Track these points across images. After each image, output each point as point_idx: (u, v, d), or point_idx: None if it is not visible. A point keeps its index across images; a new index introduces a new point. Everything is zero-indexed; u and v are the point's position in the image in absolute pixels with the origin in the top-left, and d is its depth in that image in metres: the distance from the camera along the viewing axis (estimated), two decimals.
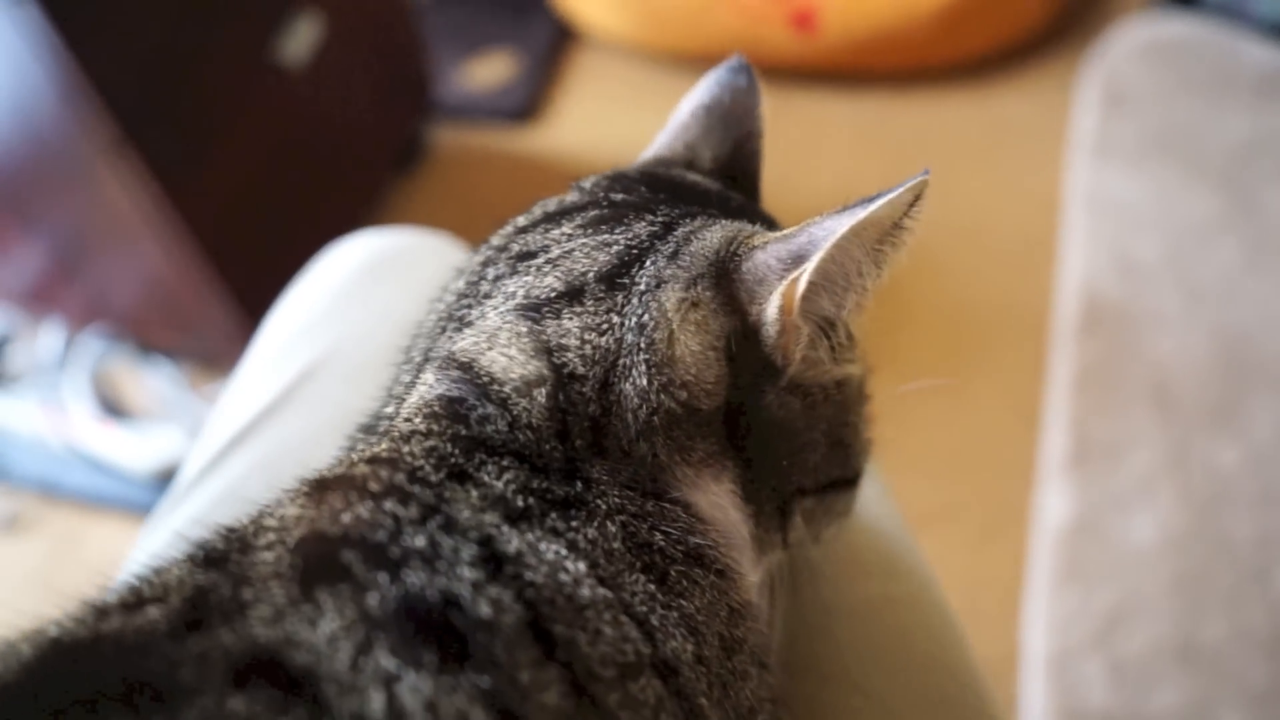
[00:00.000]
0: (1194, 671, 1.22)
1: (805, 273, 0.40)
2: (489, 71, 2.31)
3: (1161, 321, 1.57)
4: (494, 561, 0.34)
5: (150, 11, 1.27)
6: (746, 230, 0.44)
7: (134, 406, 1.67)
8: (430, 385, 0.42)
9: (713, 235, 0.44)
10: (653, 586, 0.38)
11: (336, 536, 0.34)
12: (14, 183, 1.41)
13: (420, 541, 0.34)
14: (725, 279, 0.42)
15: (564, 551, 0.36)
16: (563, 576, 0.35)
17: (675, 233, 0.44)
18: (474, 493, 0.37)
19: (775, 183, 2.21)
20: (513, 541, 0.35)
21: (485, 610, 0.32)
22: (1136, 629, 1.26)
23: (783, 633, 0.54)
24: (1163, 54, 1.91)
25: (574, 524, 0.38)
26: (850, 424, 0.47)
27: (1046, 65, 2.10)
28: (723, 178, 0.54)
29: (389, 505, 0.35)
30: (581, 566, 0.36)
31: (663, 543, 0.40)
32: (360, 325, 0.68)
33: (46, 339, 1.69)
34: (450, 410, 0.41)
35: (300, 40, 1.54)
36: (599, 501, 0.39)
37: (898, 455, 1.52)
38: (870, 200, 0.39)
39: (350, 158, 1.81)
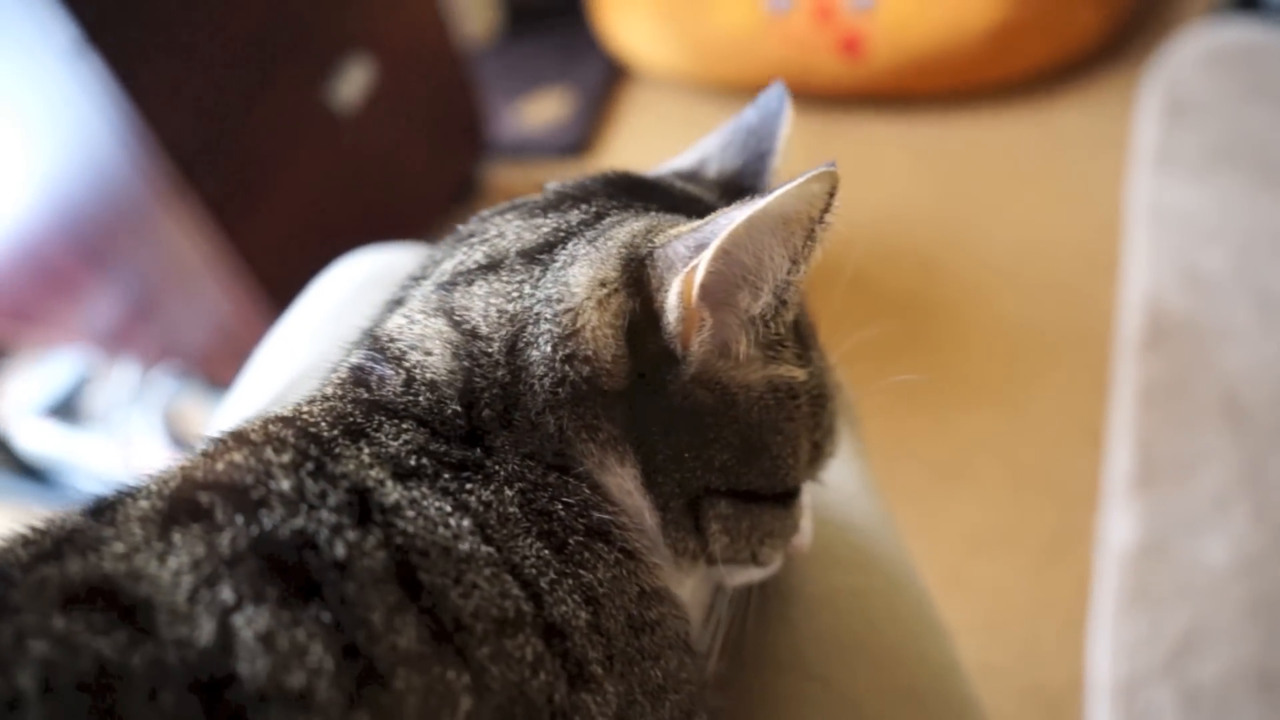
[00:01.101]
0: (1273, 699, 1.15)
1: (702, 260, 0.40)
2: (543, 110, 2.36)
3: (1231, 334, 1.50)
4: (364, 509, 0.35)
5: (206, 61, 1.34)
6: (670, 221, 0.44)
7: None
8: (349, 358, 0.44)
9: (636, 224, 0.44)
10: (548, 553, 0.38)
11: (204, 482, 0.35)
12: (88, 231, 1.49)
13: (285, 485, 0.35)
14: (637, 263, 0.42)
15: (449, 509, 0.37)
16: (442, 531, 0.35)
17: (604, 220, 0.45)
18: (365, 450, 0.38)
19: None
20: (393, 495, 0.36)
21: (340, 551, 0.33)
22: (1210, 655, 1.20)
23: (735, 621, 0.53)
24: (1226, 61, 1.85)
25: (468, 486, 0.38)
26: (783, 433, 0.45)
27: (1106, 77, 2.05)
28: (725, 190, 0.54)
29: (266, 453, 0.36)
30: (466, 523, 0.36)
31: (563, 514, 0.40)
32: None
33: (120, 378, 1.76)
34: (356, 376, 0.43)
35: (352, 84, 1.60)
36: (498, 468, 0.40)
37: (956, 476, 1.49)
38: (772, 191, 0.39)
39: (404, 196, 1.87)
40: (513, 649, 0.34)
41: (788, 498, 0.48)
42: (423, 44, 1.89)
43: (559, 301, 0.42)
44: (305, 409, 0.41)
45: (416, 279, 0.47)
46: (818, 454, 0.49)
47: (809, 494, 0.54)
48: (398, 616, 0.32)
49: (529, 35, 2.64)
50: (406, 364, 0.42)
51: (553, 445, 0.41)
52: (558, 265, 0.43)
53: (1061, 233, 1.81)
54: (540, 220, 0.46)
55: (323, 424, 0.39)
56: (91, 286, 1.61)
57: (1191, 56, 1.87)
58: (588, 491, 0.41)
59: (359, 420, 0.40)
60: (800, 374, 0.46)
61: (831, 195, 0.40)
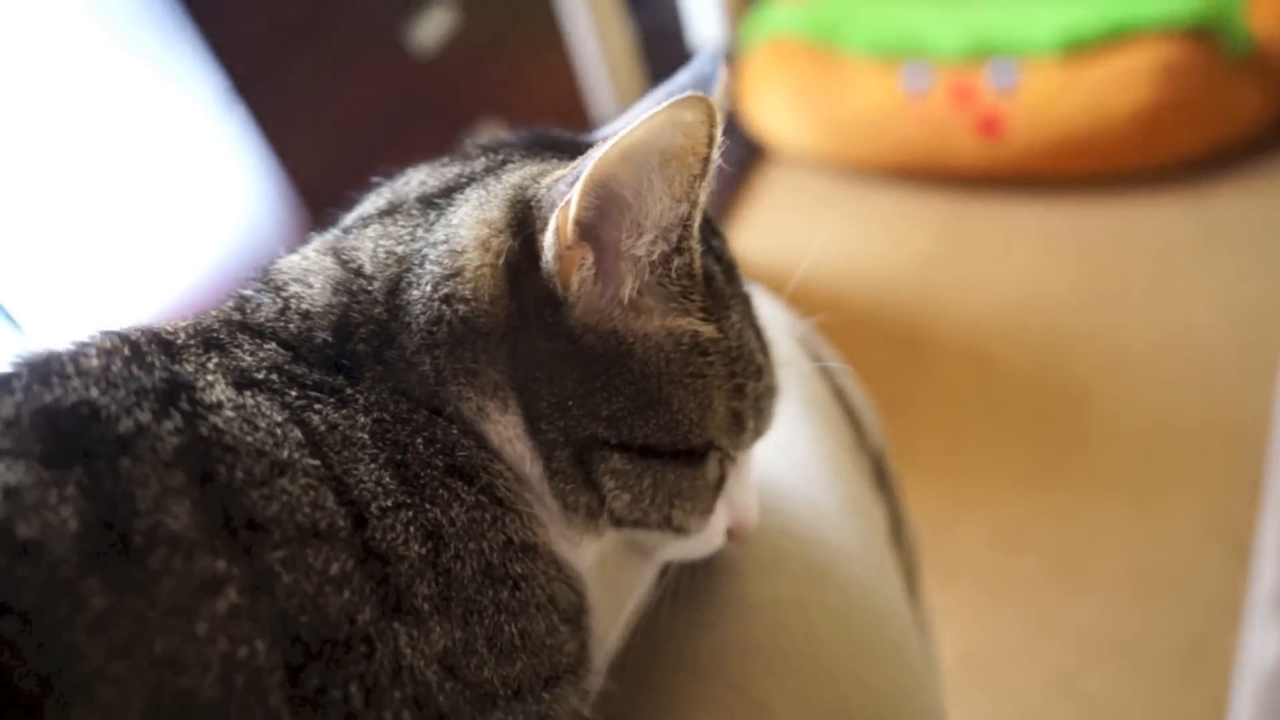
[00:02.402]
0: None
1: (574, 193, 0.38)
2: None
3: None
4: (172, 398, 0.35)
5: (341, 117, 1.43)
6: (559, 165, 0.43)
7: None
8: (239, 290, 0.45)
9: (531, 168, 0.44)
10: (391, 482, 0.37)
11: (29, 359, 0.36)
12: (233, 273, 1.60)
13: (93, 364, 0.35)
14: (523, 205, 0.42)
15: (280, 419, 0.36)
16: (262, 436, 0.35)
17: (505, 168, 0.45)
18: (214, 358, 0.38)
19: (959, 288, 2.14)
20: (218, 395, 0.36)
21: (125, 427, 0.33)
22: None
23: (652, 605, 0.51)
24: None
25: (316, 406, 0.38)
26: (686, 388, 0.44)
27: (1268, 164, 1.92)
28: None
29: (98, 341, 0.37)
30: (296, 435, 0.36)
31: (422, 449, 0.39)
32: None
33: None
34: (237, 303, 0.43)
35: None
36: (359, 397, 0.39)
37: (1075, 574, 1.38)
38: (638, 120, 0.37)
39: None
40: (314, 560, 0.34)
41: (694, 457, 0.45)
42: (562, 122, 1.97)
43: (445, 243, 0.42)
44: (175, 324, 0.41)
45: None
46: (738, 424, 0.47)
47: (748, 469, 0.52)
48: (173, 500, 0.32)
49: None
50: (285, 294, 0.43)
51: (427, 385, 0.41)
52: (451, 209, 0.43)
53: (1212, 325, 1.68)
54: (446, 169, 0.46)
55: (181, 335, 0.40)
56: None
57: None
58: (456, 433, 0.41)
59: (220, 336, 0.40)
60: (708, 330, 0.44)
61: (711, 127, 0.38)
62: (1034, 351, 1.77)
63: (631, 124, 0.37)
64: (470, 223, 0.42)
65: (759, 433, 0.49)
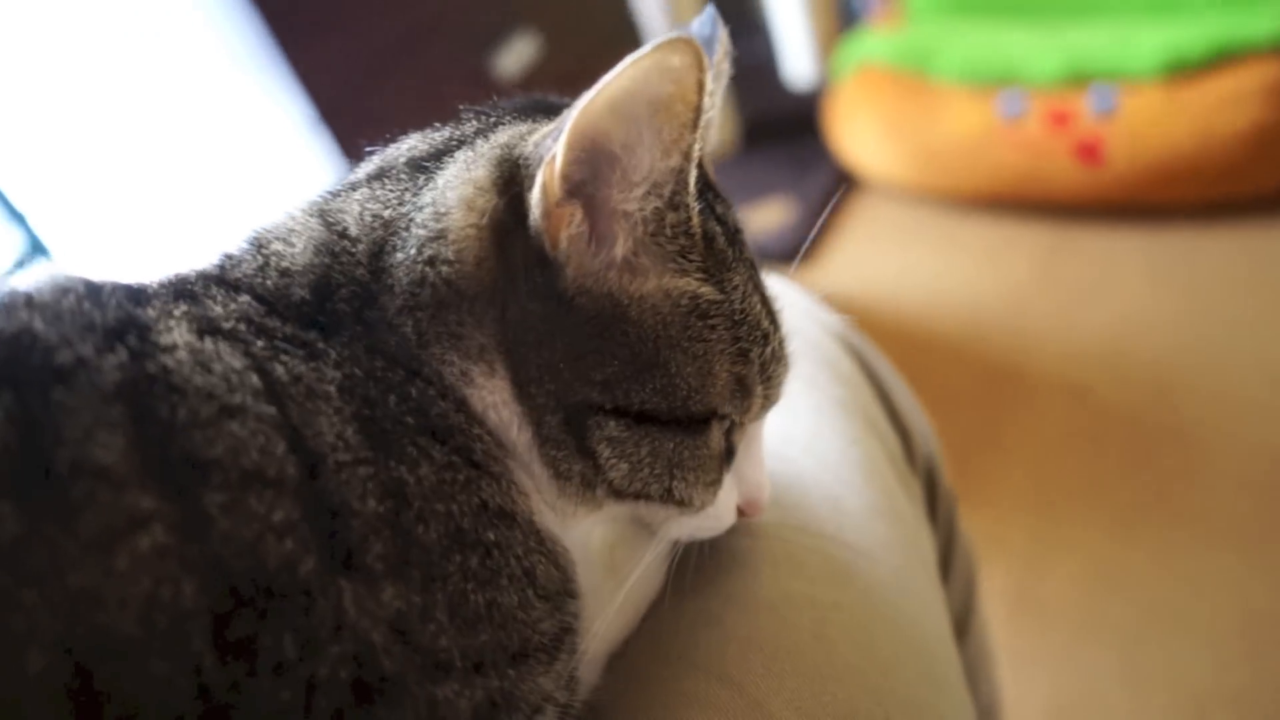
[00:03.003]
0: None
1: (559, 146, 0.37)
2: (764, 217, 2.39)
3: None
4: (121, 336, 0.34)
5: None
6: (547, 123, 0.42)
7: None
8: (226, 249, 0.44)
9: (516, 129, 0.42)
10: (354, 437, 0.36)
11: None
12: None
13: (46, 299, 0.35)
14: (511, 165, 0.40)
15: (239, 366, 0.35)
16: (215, 380, 0.34)
17: (496, 130, 0.43)
18: (182, 306, 0.38)
19: (1055, 319, 2.06)
20: (174, 338, 0.35)
21: (64, 358, 0.33)
22: None
23: (653, 611, 0.49)
24: None
25: (283, 357, 0.37)
26: (685, 352, 0.42)
27: None
28: None
29: (59, 280, 0.37)
30: (254, 381, 0.35)
31: (393, 407, 0.38)
32: None
33: None
34: (220, 260, 0.43)
35: None
36: (331, 352, 0.38)
37: (1177, 622, 1.29)
38: (622, 66, 0.36)
39: None
40: (256, 506, 0.33)
41: (695, 425, 0.43)
42: None
43: (430, 206, 0.41)
44: (151, 281, 0.41)
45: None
46: (743, 391, 0.45)
47: (759, 444, 0.50)
48: (105, 432, 0.32)
49: (762, 149, 2.70)
50: (266, 251, 0.42)
51: (408, 348, 0.40)
52: (440, 172, 0.42)
53: None
54: (436, 134, 0.46)
55: (153, 285, 0.40)
56: None
57: None
58: (434, 394, 0.39)
59: (194, 288, 0.40)
60: (708, 291, 0.43)
61: (700, 73, 0.36)
62: (1135, 386, 1.68)
63: (616, 70, 0.36)
64: (456, 184, 0.41)
65: (768, 401, 0.47)
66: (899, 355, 2.00)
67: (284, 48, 1.21)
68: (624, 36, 1.98)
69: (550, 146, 0.38)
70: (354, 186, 0.45)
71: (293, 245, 0.42)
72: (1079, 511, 1.52)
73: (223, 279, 0.41)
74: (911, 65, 2.19)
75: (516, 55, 1.58)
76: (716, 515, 0.48)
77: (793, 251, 2.27)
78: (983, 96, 2.06)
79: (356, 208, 0.43)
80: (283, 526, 0.33)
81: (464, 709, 0.36)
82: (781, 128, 2.74)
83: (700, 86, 0.37)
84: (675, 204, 0.40)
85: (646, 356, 0.41)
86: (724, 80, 0.51)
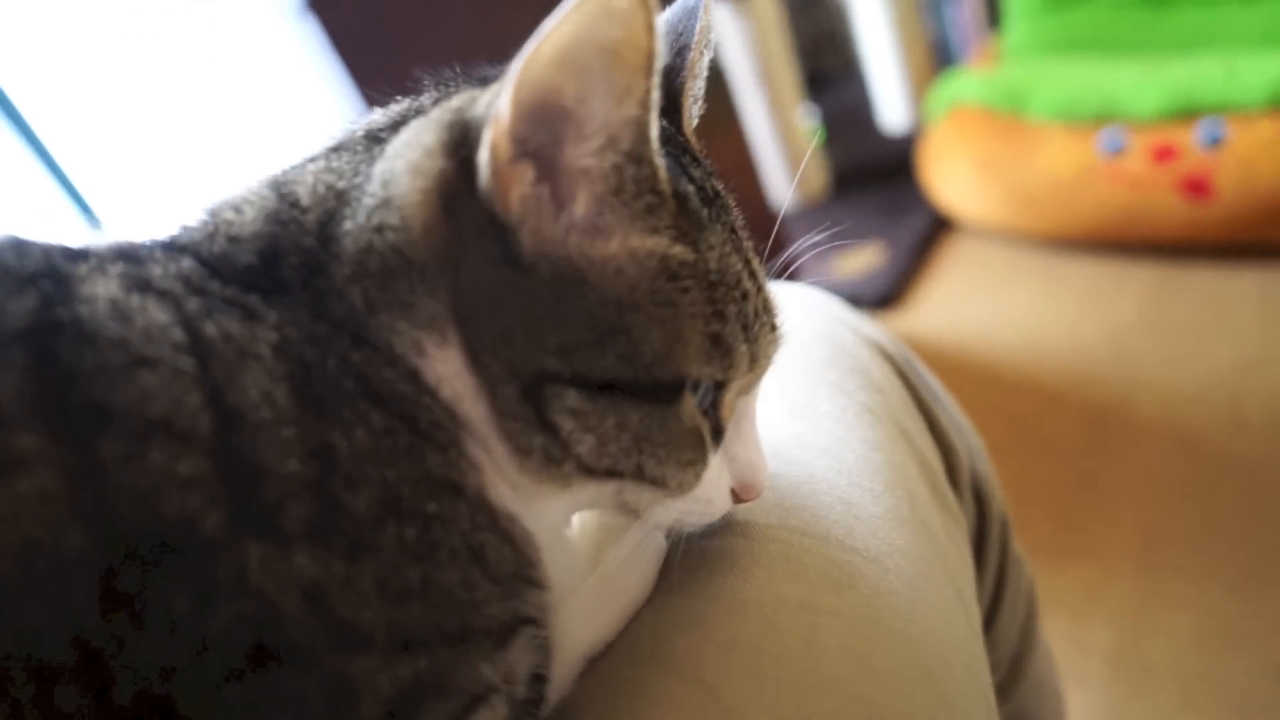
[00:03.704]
0: None
1: (504, 101, 0.36)
2: (856, 262, 2.36)
3: None
4: (34, 282, 0.34)
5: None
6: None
7: None
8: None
9: (470, 94, 0.41)
10: (283, 398, 0.35)
11: None
12: None
13: None
14: (459, 127, 0.39)
15: (165, 320, 0.34)
16: (132, 331, 0.34)
17: (451, 98, 0.42)
18: (120, 266, 0.37)
19: (1163, 362, 1.98)
20: (94, 289, 0.35)
21: None
22: None
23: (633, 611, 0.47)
24: None
25: (216, 316, 0.36)
26: (651, 316, 0.39)
27: None
28: None
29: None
30: (178, 336, 0.34)
31: (332, 370, 0.36)
32: None
33: None
34: (175, 231, 0.42)
35: None
36: (272, 314, 0.37)
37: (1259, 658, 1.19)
38: (562, 10, 0.34)
39: None
40: (157, 456, 0.32)
41: (664, 394, 0.41)
42: (743, 211, 1.96)
43: (379, 175, 0.40)
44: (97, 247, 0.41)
45: None
46: (721, 351, 0.42)
47: (751, 423, 0.47)
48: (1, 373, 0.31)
49: (855, 194, 2.68)
50: (218, 219, 0.41)
51: (357, 317, 0.38)
52: (392, 141, 0.41)
53: None
54: (396, 107, 0.44)
55: (99, 247, 0.39)
56: None
57: None
58: (380, 362, 0.38)
59: (139, 252, 0.39)
60: (679, 251, 0.41)
61: (647, 14, 0.34)
62: (1251, 433, 1.57)
63: (557, 17, 0.35)
64: (404, 150, 0.40)
65: (755, 364, 0.45)
66: (996, 399, 1.94)
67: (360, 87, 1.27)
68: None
69: (496, 104, 0.37)
70: (312, 159, 0.44)
71: (243, 214, 0.41)
72: (1190, 566, 1.42)
73: (171, 245, 0.41)
74: (1005, 104, 2.15)
75: None
76: (707, 499, 0.46)
77: (885, 295, 2.24)
78: (1081, 133, 2.00)
79: (311, 179, 0.42)
80: (187, 480, 0.32)
81: (384, 685, 0.35)
82: (875, 172, 2.72)
83: (649, 28, 0.35)
84: (636, 157, 0.39)
85: (609, 321, 0.39)
86: (709, 53, 0.49)
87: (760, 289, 0.46)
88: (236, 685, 0.32)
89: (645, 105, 0.37)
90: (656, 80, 0.37)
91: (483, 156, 0.38)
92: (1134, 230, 1.96)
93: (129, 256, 0.38)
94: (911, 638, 0.48)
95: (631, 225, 0.40)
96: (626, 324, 0.40)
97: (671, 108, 0.48)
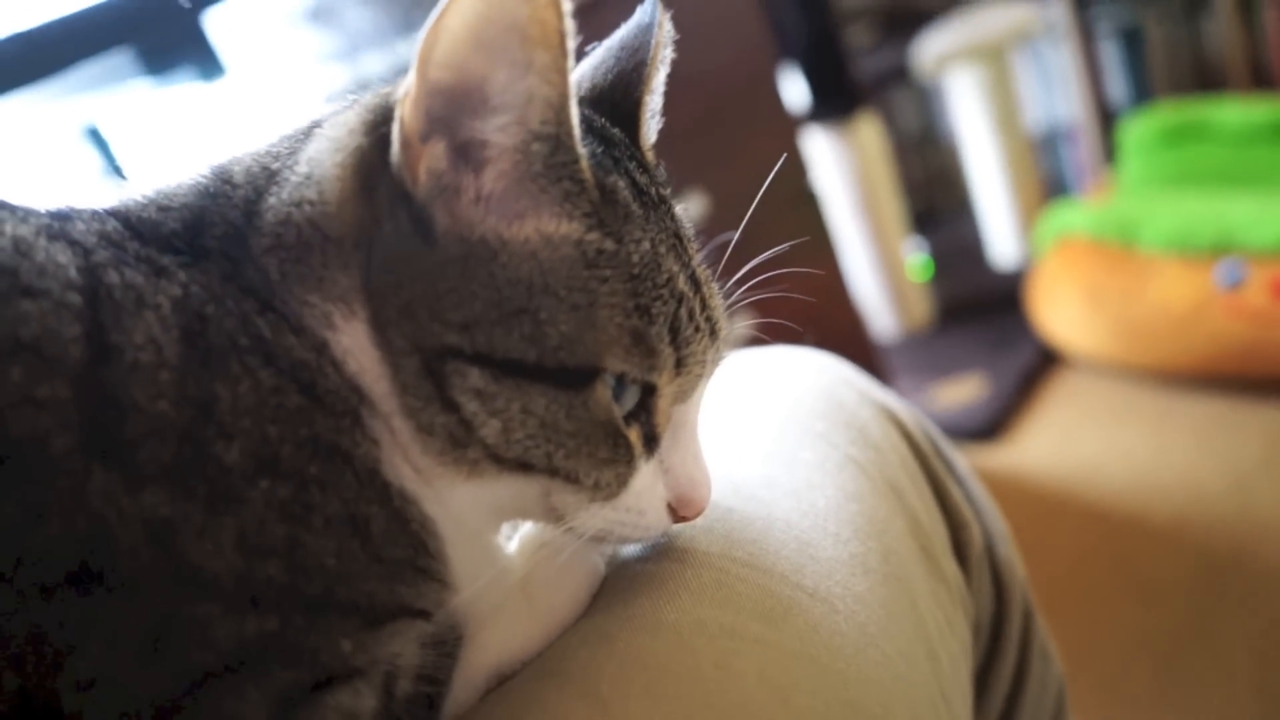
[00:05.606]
0: None
1: (410, 74, 0.36)
2: (957, 393, 2.28)
3: None
4: None
5: None
6: None
7: None
8: None
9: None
10: (173, 346, 0.35)
11: None
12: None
13: None
14: (382, 108, 0.41)
15: (65, 260, 0.36)
16: (24, 264, 0.35)
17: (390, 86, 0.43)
18: (45, 219, 0.38)
19: None
20: (6, 228, 0.36)
21: None
22: None
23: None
24: None
25: (124, 268, 0.37)
26: (561, 299, 0.39)
27: None
28: (596, 103, 0.49)
29: None
30: (72, 275, 0.35)
31: (229, 327, 0.37)
32: None
33: None
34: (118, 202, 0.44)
35: None
36: (180, 273, 0.38)
37: None
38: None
39: None
40: (17, 376, 0.33)
41: (572, 381, 0.40)
42: (838, 338, 1.94)
43: (307, 154, 0.41)
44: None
45: None
46: (644, 350, 0.41)
47: (691, 433, 0.46)
48: None
49: (960, 326, 2.62)
50: (153, 193, 0.43)
51: (269, 286, 0.39)
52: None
53: None
54: (344, 99, 0.46)
55: (36, 207, 0.41)
56: None
57: None
58: (285, 329, 0.39)
59: (69, 212, 0.41)
60: (596, 239, 0.40)
61: None
62: None
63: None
64: (329, 130, 0.42)
65: (681, 367, 0.44)
66: (1102, 539, 1.82)
67: None
68: (795, 203, 2.01)
69: (406, 79, 0.39)
70: (257, 146, 0.46)
71: (179, 189, 0.44)
72: None
73: (105, 210, 0.43)
74: (1115, 236, 2.08)
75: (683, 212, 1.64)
76: (639, 509, 0.45)
77: (986, 427, 2.14)
78: (1197, 266, 1.91)
79: (249, 160, 0.44)
80: (42, 401, 0.33)
81: (221, 637, 0.34)
82: (981, 306, 2.66)
83: (556, 4, 0.36)
84: (546, 137, 0.39)
85: (517, 301, 0.39)
86: (665, 68, 0.50)
87: (703, 298, 0.45)
88: (44, 601, 0.32)
89: (554, 84, 0.38)
90: (569, 61, 0.38)
91: (394, 131, 0.39)
92: (1254, 366, 1.83)
93: (60, 214, 0.41)
94: (849, 679, 0.44)
95: (546, 209, 0.41)
96: (535, 305, 0.40)
97: (628, 121, 0.49)
